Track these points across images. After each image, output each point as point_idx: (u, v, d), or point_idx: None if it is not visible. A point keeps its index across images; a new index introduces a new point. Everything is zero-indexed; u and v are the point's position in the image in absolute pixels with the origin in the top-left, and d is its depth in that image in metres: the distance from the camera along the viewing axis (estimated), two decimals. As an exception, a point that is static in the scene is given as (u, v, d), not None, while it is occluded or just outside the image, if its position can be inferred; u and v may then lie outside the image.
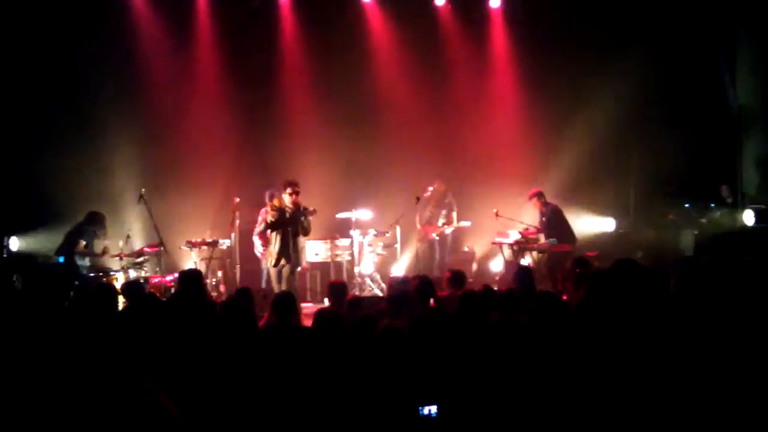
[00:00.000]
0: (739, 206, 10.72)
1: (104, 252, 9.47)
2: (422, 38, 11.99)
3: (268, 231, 8.65)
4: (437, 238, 11.09)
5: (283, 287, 8.24)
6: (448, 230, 11.13)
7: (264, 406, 3.75)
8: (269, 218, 8.53)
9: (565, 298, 5.68)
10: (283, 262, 8.47)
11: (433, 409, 3.12)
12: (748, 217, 10.21)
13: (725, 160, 11.22)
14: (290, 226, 8.50)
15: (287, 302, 5.24)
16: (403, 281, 7.29)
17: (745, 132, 11.06)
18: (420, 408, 3.14)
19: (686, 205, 11.39)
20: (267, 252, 8.90)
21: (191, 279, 6.25)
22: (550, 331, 4.10)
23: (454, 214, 11.15)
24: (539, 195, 10.23)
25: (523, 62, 12.15)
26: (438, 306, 5.80)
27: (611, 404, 3.37)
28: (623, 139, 11.84)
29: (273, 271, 8.57)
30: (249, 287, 6.63)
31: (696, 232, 10.79)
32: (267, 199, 9.91)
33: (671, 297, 4.52)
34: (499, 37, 12.45)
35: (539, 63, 11.76)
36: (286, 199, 8.58)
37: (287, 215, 8.53)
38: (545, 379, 3.47)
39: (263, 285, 9.38)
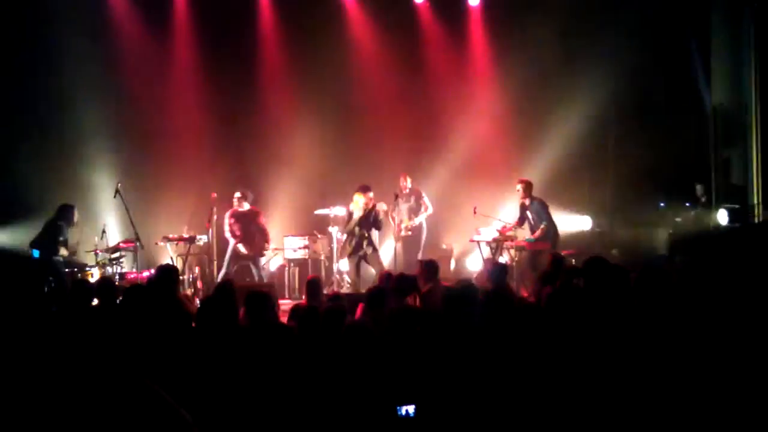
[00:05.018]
0: (713, 206, 10.87)
1: (72, 252, 9.35)
2: (401, 35, 11.98)
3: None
4: (410, 233, 10.91)
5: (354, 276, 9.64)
6: (417, 220, 10.87)
7: (239, 404, 3.74)
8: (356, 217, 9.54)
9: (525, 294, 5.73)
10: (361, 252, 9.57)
11: (411, 408, 3.12)
12: (722, 217, 10.36)
13: (700, 159, 11.36)
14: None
15: (261, 299, 5.19)
16: (380, 278, 7.30)
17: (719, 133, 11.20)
18: (398, 408, 3.13)
19: (661, 205, 11.53)
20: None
21: (165, 274, 6.20)
22: (517, 329, 4.12)
23: (428, 202, 10.89)
24: (528, 184, 10.06)
25: (501, 61, 12.16)
26: (422, 301, 5.82)
27: (588, 402, 3.41)
28: (600, 138, 11.93)
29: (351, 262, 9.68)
30: (232, 280, 6.62)
31: (671, 231, 10.93)
32: (237, 199, 10.07)
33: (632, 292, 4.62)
34: (477, 35, 12.48)
35: (517, 62, 11.77)
36: (362, 201, 9.51)
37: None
38: (522, 377, 3.50)
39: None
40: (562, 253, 8.97)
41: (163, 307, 5.31)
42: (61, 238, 9.11)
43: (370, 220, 9.58)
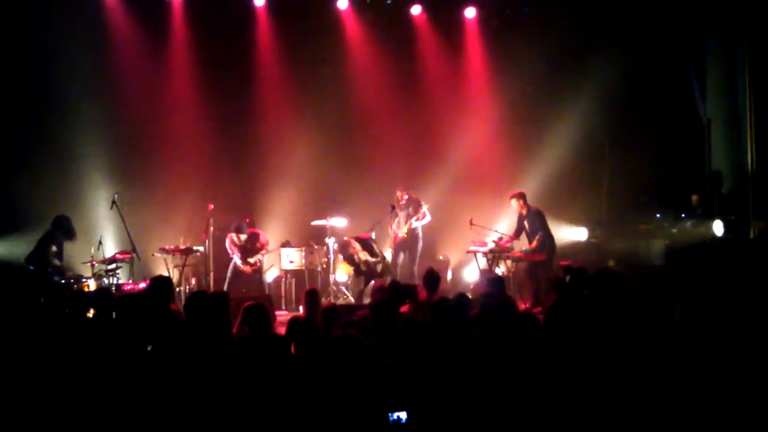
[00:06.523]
0: (709, 216, 10.87)
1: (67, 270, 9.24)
2: (398, 47, 12.06)
3: None
4: (406, 236, 10.82)
5: None
6: (415, 224, 10.81)
7: (236, 414, 3.73)
8: None
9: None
10: None
11: (403, 415, 3.12)
12: (718, 228, 10.37)
13: (696, 171, 11.39)
14: None
15: (259, 312, 5.18)
16: (381, 289, 7.29)
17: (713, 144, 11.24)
18: (389, 414, 3.13)
19: (657, 216, 11.54)
20: None
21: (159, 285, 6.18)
22: (515, 340, 4.12)
23: (427, 211, 10.85)
24: (521, 196, 10.04)
25: (497, 72, 12.24)
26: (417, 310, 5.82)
27: (586, 412, 3.41)
28: (596, 149, 11.98)
29: None
30: (225, 292, 6.59)
31: (667, 242, 10.92)
32: (232, 230, 10.12)
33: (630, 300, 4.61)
34: (474, 46, 12.55)
35: (513, 73, 11.85)
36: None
37: None
38: (517, 387, 3.50)
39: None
40: (559, 264, 8.97)
41: (157, 319, 5.30)
42: (53, 249, 9.02)
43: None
